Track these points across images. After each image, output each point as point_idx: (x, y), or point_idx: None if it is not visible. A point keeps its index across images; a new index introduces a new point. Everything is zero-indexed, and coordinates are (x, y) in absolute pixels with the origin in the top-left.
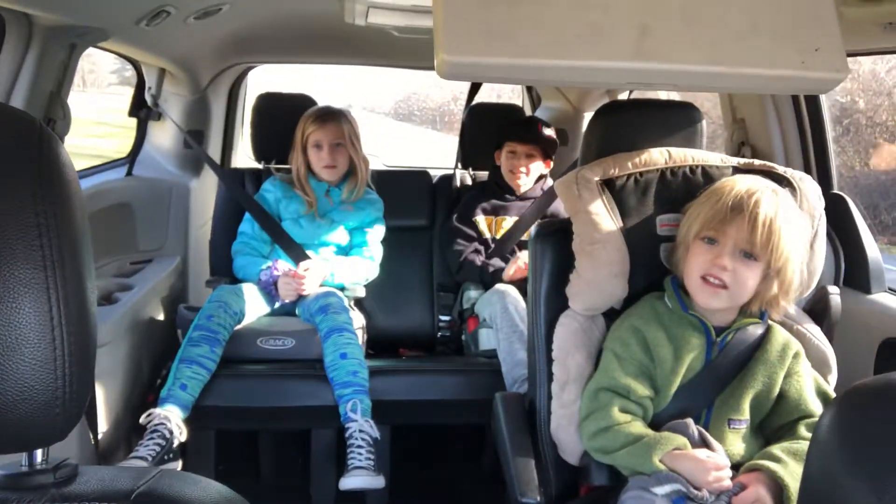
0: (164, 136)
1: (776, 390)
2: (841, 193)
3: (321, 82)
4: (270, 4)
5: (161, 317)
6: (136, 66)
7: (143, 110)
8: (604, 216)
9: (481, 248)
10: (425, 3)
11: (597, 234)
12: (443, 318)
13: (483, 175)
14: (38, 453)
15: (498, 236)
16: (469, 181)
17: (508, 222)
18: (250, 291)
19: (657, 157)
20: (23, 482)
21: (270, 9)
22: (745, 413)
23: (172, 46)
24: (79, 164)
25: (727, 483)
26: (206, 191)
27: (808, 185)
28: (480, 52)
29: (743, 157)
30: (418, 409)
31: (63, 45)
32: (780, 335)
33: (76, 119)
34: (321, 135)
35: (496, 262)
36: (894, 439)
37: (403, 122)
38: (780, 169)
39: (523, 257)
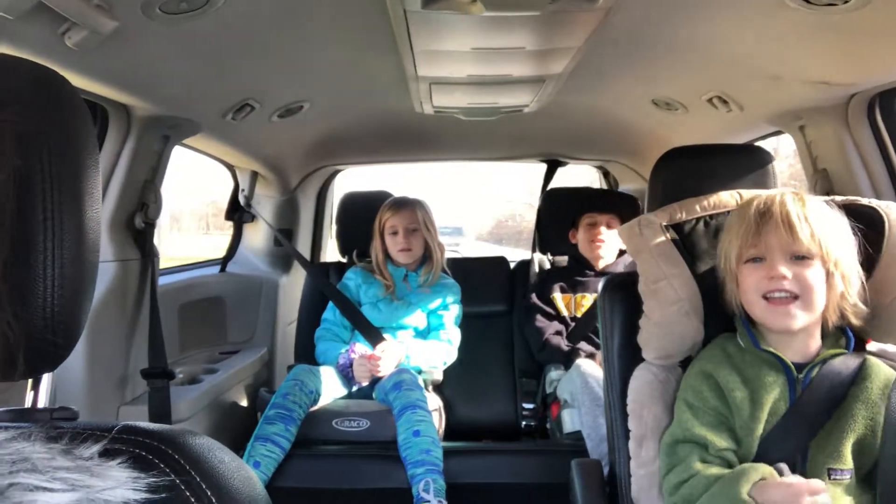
0: (256, 236)
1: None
2: None
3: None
4: (348, 103)
5: (244, 401)
6: (231, 170)
7: (237, 213)
8: (669, 253)
9: (562, 328)
10: (481, 72)
11: (661, 271)
12: (526, 405)
13: (561, 259)
14: (42, 398)
15: (578, 314)
16: (547, 265)
17: (588, 300)
18: (328, 373)
19: (727, 199)
20: (20, 417)
21: (349, 107)
22: (848, 461)
23: (261, 146)
24: None
25: None
26: (295, 287)
27: None
28: None
29: None
30: (497, 493)
31: (157, 136)
32: (882, 369)
33: None
34: (396, 220)
35: (583, 345)
36: None
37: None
38: (864, 200)
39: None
